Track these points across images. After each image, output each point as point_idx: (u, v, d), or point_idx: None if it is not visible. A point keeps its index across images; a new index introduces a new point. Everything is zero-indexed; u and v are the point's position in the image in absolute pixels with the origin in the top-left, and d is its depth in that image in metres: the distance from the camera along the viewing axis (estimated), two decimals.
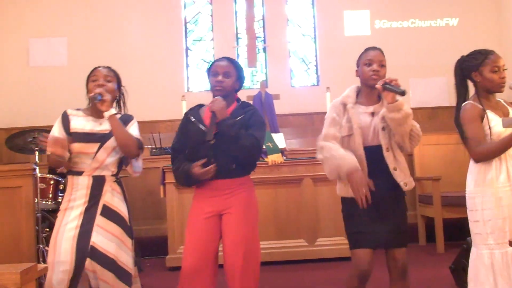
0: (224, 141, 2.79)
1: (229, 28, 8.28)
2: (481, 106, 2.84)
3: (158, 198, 5.37)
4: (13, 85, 7.75)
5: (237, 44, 8.28)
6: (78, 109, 3.00)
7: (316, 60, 8.33)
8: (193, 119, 2.91)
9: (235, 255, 2.78)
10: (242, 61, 8.22)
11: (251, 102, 6.46)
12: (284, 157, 4.95)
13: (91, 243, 2.74)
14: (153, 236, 5.84)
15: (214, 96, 2.89)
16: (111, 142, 2.86)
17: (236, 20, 8.33)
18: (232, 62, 2.97)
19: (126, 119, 2.97)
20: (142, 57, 7.87)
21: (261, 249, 4.66)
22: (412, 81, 7.96)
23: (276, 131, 5.94)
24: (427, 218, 5.58)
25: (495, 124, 2.79)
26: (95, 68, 2.99)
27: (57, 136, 2.78)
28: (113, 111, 2.83)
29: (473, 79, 2.91)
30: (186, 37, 8.30)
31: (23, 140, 4.73)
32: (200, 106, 3.03)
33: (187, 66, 8.18)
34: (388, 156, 2.76)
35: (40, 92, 7.61)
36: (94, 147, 2.85)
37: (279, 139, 5.10)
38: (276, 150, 4.90)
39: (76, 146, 2.85)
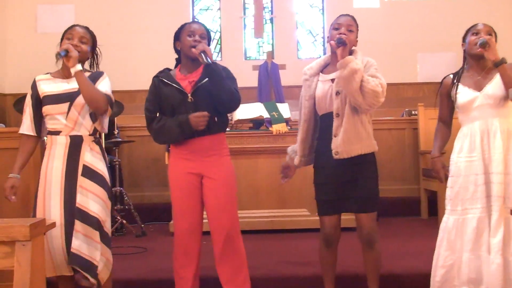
0: (202, 97, 2.87)
1: None
2: (453, 80, 3.04)
3: (163, 165, 5.42)
4: (21, 52, 7.77)
5: (244, 14, 8.24)
6: (47, 73, 3.00)
7: (323, 32, 8.30)
8: (166, 81, 2.95)
9: (219, 219, 2.90)
10: (249, 32, 8.19)
11: (256, 72, 6.51)
12: (289, 127, 4.97)
13: (77, 205, 2.77)
14: (158, 202, 5.92)
15: (188, 56, 2.95)
16: (80, 99, 2.85)
17: None
18: (204, 25, 3.05)
19: (96, 76, 2.96)
20: (149, 25, 7.85)
21: (264, 217, 4.84)
22: (420, 56, 7.93)
23: (282, 101, 5.95)
24: (430, 191, 5.62)
25: (460, 97, 2.97)
26: (72, 26, 2.97)
27: None
28: (79, 67, 2.79)
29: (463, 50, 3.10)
30: (193, 6, 8.27)
31: None
32: (169, 69, 3.07)
33: None
34: (334, 122, 2.81)
35: (48, 58, 7.56)
36: (64, 106, 2.86)
37: (284, 109, 5.12)
38: (280, 119, 4.92)
39: (47, 108, 2.88)
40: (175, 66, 3.13)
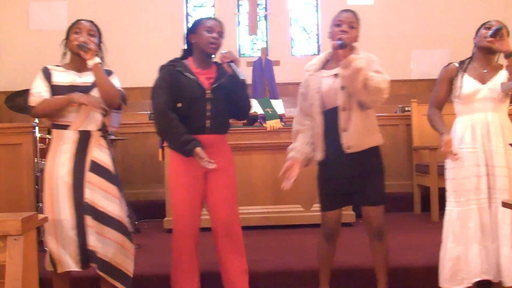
0: (219, 95, 2.90)
1: None
2: (459, 69, 3.01)
3: (157, 162, 5.41)
4: (14, 49, 7.74)
5: (238, 11, 8.23)
6: (57, 65, 2.95)
7: (317, 29, 8.30)
8: (185, 73, 2.90)
9: (223, 210, 2.92)
10: (243, 29, 8.18)
11: (251, 68, 6.50)
12: (283, 123, 4.97)
13: (85, 200, 2.76)
14: (152, 199, 5.91)
15: (204, 51, 2.92)
16: (94, 94, 2.84)
17: None
18: (222, 24, 3.01)
19: (107, 73, 2.93)
20: (143, 23, 7.83)
21: (259, 213, 4.83)
22: (414, 53, 7.94)
23: (276, 97, 5.95)
24: (423, 187, 5.63)
25: (465, 87, 2.95)
26: (77, 21, 2.93)
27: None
28: (97, 59, 2.79)
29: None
30: (186, 3, 8.26)
31: (24, 100, 4.70)
32: (177, 60, 2.99)
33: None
34: (341, 116, 2.80)
35: (40, 55, 7.54)
36: None
37: (278, 105, 5.11)
38: (274, 116, 4.92)
39: None
40: (183, 58, 3.03)
